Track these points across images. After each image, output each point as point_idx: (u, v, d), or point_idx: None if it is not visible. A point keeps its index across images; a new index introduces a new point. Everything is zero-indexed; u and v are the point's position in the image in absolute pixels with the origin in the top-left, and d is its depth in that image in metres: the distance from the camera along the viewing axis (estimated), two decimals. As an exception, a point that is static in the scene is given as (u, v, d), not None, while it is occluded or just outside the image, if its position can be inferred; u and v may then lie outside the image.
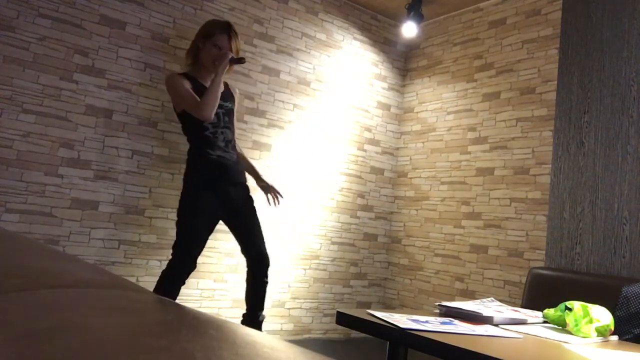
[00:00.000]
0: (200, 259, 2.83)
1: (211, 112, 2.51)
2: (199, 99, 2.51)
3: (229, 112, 2.74)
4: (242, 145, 3.47)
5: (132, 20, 3.08)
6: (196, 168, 2.64)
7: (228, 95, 2.75)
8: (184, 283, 2.58)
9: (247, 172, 2.88)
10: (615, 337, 1.78)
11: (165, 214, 3.12)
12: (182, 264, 2.52)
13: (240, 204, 2.69)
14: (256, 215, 2.73)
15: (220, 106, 2.62)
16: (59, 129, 2.83)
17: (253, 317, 2.68)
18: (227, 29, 2.69)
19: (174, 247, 2.57)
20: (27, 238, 0.73)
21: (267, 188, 2.93)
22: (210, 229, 2.64)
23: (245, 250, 2.70)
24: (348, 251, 3.96)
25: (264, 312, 2.77)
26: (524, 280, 3.17)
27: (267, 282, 2.71)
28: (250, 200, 2.75)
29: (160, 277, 2.54)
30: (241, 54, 3.49)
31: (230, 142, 2.70)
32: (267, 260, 2.69)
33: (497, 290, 3.35)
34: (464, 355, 1.24)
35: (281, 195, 2.93)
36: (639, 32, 2.70)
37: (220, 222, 2.74)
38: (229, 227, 2.74)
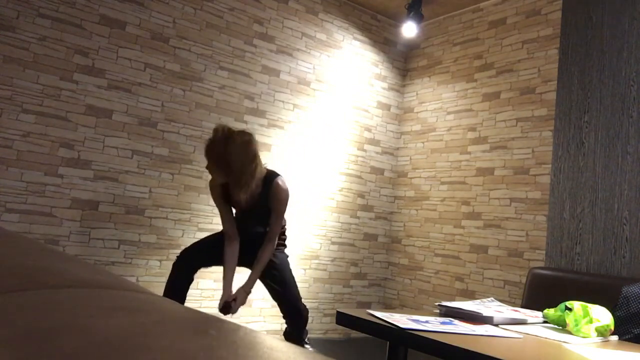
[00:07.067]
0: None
1: None
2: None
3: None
4: (242, 145, 3.47)
5: (132, 20, 3.07)
6: None
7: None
8: (185, 273, 2.38)
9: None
10: (615, 337, 1.78)
11: (165, 214, 3.12)
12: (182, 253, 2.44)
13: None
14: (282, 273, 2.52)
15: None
16: (59, 129, 2.83)
17: (296, 338, 2.60)
18: None
19: None
20: (27, 238, 0.73)
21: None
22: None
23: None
24: (348, 251, 3.96)
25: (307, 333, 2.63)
26: (524, 280, 3.17)
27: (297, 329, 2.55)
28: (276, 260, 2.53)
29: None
30: (241, 54, 3.49)
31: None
32: (296, 317, 2.50)
33: (497, 290, 3.35)
34: (464, 355, 1.24)
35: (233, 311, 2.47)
36: (639, 32, 2.70)
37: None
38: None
